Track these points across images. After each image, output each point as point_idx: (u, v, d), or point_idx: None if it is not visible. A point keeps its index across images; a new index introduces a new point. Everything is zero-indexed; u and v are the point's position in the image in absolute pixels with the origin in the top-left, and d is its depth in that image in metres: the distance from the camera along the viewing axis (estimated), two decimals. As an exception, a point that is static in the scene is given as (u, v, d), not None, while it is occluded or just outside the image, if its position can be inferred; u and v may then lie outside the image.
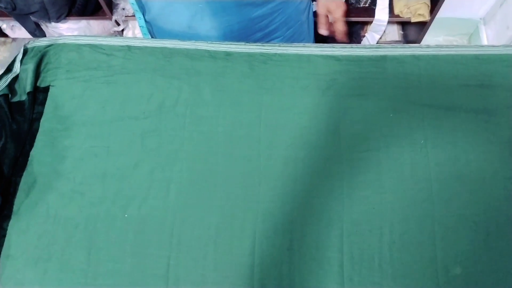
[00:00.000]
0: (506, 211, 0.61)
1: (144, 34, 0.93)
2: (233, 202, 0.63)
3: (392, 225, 0.61)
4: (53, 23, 1.44)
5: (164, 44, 0.73)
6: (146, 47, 0.72)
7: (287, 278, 0.59)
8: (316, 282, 0.59)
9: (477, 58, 0.71)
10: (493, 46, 0.73)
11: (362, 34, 1.51)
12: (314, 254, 0.60)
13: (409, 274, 0.59)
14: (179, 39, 0.73)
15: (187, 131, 0.67)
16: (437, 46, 0.71)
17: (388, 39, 1.51)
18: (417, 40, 1.43)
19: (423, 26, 1.37)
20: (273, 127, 0.67)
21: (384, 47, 0.72)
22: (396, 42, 1.53)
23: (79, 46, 0.74)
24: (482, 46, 0.72)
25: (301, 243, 0.61)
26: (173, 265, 0.60)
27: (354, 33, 1.53)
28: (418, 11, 1.31)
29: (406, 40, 1.52)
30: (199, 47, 0.72)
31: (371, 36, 1.36)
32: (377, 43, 1.43)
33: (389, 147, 0.65)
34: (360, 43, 1.46)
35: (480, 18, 1.55)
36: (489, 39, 1.54)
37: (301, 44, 0.73)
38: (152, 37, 0.92)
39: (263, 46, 0.72)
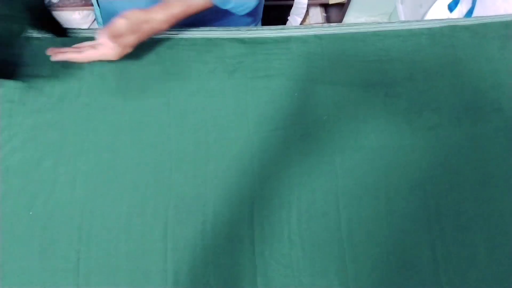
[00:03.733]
0: (404, 177, 0.66)
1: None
2: (143, 189, 0.62)
3: (300, 198, 0.64)
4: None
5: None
6: (45, 38, 0.69)
7: (200, 259, 0.60)
8: (230, 260, 0.60)
9: (376, 35, 0.75)
10: (391, 22, 0.77)
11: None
12: (227, 233, 0.61)
13: (317, 243, 0.62)
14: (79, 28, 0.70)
15: (92, 122, 0.65)
16: (338, 25, 0.74)
17: (312, 22, 1.55)
18: (339, 22, 1.49)
19: (343, 8, 1.42)
20: (182, 112, 0.67)
21: (288, 28, 0.73)
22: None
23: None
24: (380, 23, 0.76)
25: (214, 224, 0.62)
26: (84, 259, 0.59)
27: (281, 18, 1.55)
28: (335, -7, 1.35)
29: (329, 22, 1.57)
30: (102, 35, 0.70)
31: (293, 19, 1.39)
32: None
33: (295, 124, 0.67)
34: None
35: (398, -2, 1.63)
36: (406, 17, 1.63)
37: (207, 28, 0.73)
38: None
39: (169, 31, 0.72)
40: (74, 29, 0.69)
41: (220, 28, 0.73)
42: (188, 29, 0.72)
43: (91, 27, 1.47)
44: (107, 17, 0.82)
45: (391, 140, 0.67)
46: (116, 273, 0.59)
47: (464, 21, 0.77)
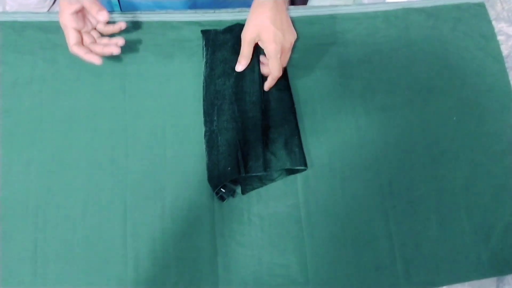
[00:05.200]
0: (359, 156, 0.68)
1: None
2: (99, 176, 0.62)
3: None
4: None
5: (14, 18, 0.68)
6: (-4, 22, 0.67)
7: (160, 242, 0.60)
8: (189, 242, 0.61)
9: (332, 17, 0.76)
10: (346, 6, 0.78)
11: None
12: (187, 216, 0.62)
13: (275, 223, 0.63)
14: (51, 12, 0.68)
15: (45, 108, 0.64)
16: (295, 8, 0.75)
17: (277, 5, 1.55)
18: (304, 4, 1.49)
19: (306, -10, 1.42)
20: (138, 96, 0.66)
21: (245, 11, 0.73)
22: (285, 7, 1.57)
23: None
24: (336, 6, 0.77)
25: (173, 208, 0.62)
26: (41, 246, 0.58)
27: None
28: (298, -25, 1.35)
29: (295, 5, 1.57)
30: (53, 19, 0.68)
31: (257, 2, 1.38)
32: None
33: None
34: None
35: (361, -19, 1.64)
36: (370, 0, 1.64)
37: (164, 11, 0.72)
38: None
39: (124, 14, 0.71)
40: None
41: (177, 11, 0.72)
42: (144, 12, 0.71)
43: (51, 11, 1.41)
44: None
45: (347, 121, 0.69)
46: (75, 260, 0.59)
47: (418, 3, 0.79)
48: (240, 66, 0.65)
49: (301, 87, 0.70)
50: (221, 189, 0.61)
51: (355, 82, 0.72)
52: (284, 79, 0.68)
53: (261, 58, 0.66)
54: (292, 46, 0.65)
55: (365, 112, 0.70)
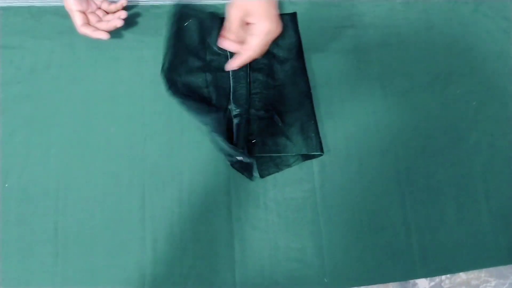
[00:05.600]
0: (376, 141, 0.67)
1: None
2: (118, 160, 0.63)
3: (275, 164, 0.65)
4: None
5: (31, 3, 0.69)
6: (10, 7, 0.67)
7: (177, 225, 0.61)
8: (207, 226, 0.61)
9: (350, 0, 0.74)
10: (364, -13, 0.76)
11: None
12: (204, 200, 0.63)
13: (291, 208, 0.63)
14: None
15: (64, 93, 0.64)
16: (312, -10, 0.74)
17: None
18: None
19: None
20: (155, 81, 0.66)
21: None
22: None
23: None
24: (354, -12, 0.75)
25: (190, 191, 0.63)
26: (62, 229, 0.60)
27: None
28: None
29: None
30: (70, 4, 0.68)
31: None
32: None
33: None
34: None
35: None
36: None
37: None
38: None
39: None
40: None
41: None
42: (159, -4, 0.71)
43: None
44: None
45: (364, 106, 0.68)
46: (94, 242, 0.60)
47: (438, -15, 0.77)
48: (225, 43, 0.57)
49: (317, 71, 0.69)
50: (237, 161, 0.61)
51: (373, 66, 0.71)
52: (300, 62, 0.67)
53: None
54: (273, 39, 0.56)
55: (383, 96, 0.69)
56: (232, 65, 0.59)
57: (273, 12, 0.53)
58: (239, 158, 0.60)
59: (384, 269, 0.62)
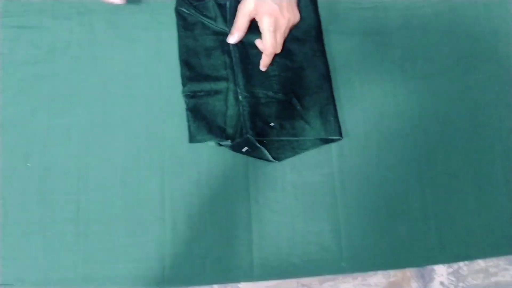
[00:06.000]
0: (396, 125, 0.66)
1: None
2: (136, 141, 0.63)
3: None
4: None
5: (50, -18, 0.68)
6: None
7: (196, 208, 0.62)
8: (225, 208, 0.62)
9: (371, -20, 0.72)
10: (386, -33, 0.74)
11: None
12: (222, 182, 0.63)
13: (309, 192, 0.63)
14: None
15: (83, 73, 0.64)
16: (333, -29, 0.72)
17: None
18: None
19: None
20: (173, 62, 0.66)
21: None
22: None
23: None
24: (376, -32, 0.73)
25: (208, 174, 0.63)
26: (83, 208, 0.60)
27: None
28: None
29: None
30: (88, -17, 0.68)
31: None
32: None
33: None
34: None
35: None
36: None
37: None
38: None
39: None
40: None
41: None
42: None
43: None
44: None
45: (384, 90, 0.67)
46: (115, 222, 0.60)
47: (462, -35, 0.74)
48: (231, 38, 0.64)
49: (337, 53, 0.68)
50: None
51: (394, 49, 0.69)
52: (319, 44, 0.66)
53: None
54: (291, 26, 0.64)
55: (403, 80, 0.68)
56: (260, 67, 0.64)
57: (274, 7, 0.59)
58: (244, 149, 0.61)
59: (402, 254, 0.62)
